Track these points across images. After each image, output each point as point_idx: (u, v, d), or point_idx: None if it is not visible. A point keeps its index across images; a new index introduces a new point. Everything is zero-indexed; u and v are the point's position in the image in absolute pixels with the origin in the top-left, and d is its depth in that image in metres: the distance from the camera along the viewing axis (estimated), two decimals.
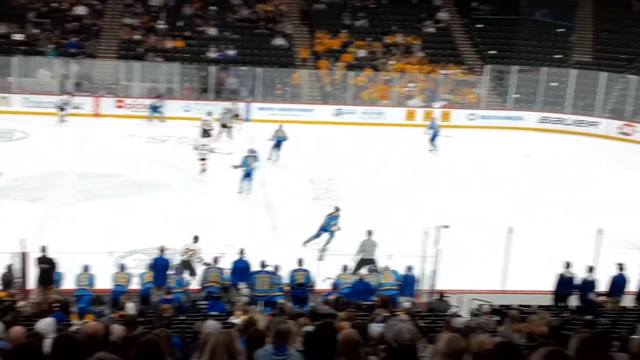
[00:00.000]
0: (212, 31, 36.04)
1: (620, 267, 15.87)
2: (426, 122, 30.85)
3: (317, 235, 18.68)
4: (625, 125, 32.97)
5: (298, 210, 21.44)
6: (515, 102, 35.06)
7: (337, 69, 35.03)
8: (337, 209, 19.14)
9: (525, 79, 35.32)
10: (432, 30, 37.85)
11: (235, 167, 22.31)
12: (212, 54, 35.01)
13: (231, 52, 35.25)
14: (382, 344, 6.11)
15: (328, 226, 18.74)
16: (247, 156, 22.61)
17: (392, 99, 34.64)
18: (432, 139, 28.89)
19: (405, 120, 33.66)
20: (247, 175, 22.41)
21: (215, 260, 15.90)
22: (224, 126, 29.19)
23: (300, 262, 15.97)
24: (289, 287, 15.73)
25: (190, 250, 16.51)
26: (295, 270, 15.86)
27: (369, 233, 17.29)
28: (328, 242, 18.51)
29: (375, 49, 36.50)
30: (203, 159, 24.21)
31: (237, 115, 30.85)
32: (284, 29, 36.80)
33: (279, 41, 36.16)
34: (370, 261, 17.01)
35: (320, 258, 15.95)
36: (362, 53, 36.20)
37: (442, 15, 38.45)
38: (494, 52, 36.96)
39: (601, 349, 4.69)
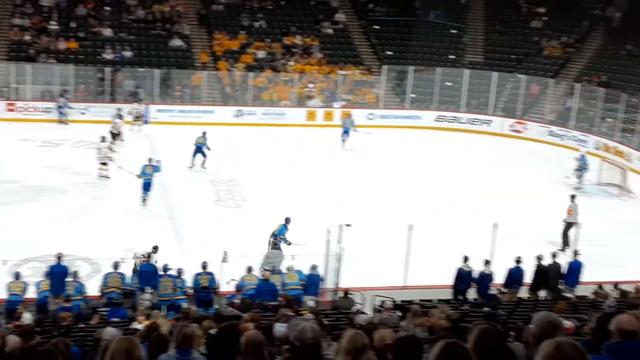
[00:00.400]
0: (107, 32, 35.15)
1: (518, 260, 16.45)
2: (340, 120, 31.78)
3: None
4: (516, 122, 34.23)
5: (200, 213, 21.20)
6: (412, 102, 35.84)
7: (236, 70, 34.86)
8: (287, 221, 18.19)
9: (422, 79, 36.17)
10: (330, 31, 38.21)
11: (135, 175, 21.61)
12: (108, 55, 34.17)
13: (127, 54, 34.50)
14: (286, 344, 6.12)
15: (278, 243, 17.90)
16: (146, 165, 21.81)
17: (292, 100, 34.78)
18: (344, 134, 29.78)
19: (306, 120, 33.88)
20: (146, 185, 21.48)
21: (116, 265, 15.52)
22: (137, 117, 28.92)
23: (204, 265, 15.81)
24: (192, 291, 15.55)
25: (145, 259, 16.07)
26: (198, 274, 15.71)
27: (275, 244, 17.14)
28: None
29: (274, 50, 36.54)
30: (104, 164, 23.61)
31: (139, 118, 30.33)
32: (181, 30, 36.32)
33: (176, 42, 35.64)
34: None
35: (224, 260, 15.80)
36: (261, 54, 36.16)
37: (340, 16, 38.87)
38: (391, 52, 37.67)
39: (498, 339, 4.84)
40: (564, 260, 17.21)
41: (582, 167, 26.01)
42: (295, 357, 4.83)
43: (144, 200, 21.38)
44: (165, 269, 15.61)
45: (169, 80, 33.83)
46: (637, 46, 35.95)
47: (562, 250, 19.23)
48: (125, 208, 21.15)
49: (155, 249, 16.19)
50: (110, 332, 8.49)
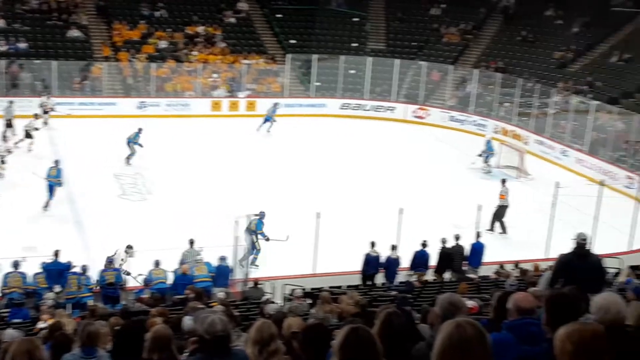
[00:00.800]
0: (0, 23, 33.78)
1: (424, 243, 16.83)
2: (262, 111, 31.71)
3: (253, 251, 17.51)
4: (419, 109, 34.93)
5: (104, 207, 20.74)
6: (317, 90, 36.03)
7: (138, 61, 34.15)
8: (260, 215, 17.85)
9: (326, 67, 36.39)
10: (232, 20, 37.89)
11: (38, 176, 20.78)
12: (1, 47, 32.84)
13: (22, 45, 33.24)
14: (195, 337, 6.08)
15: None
16: (52, 167, 20.83)
17: (197, 90, 34.36)
18: (264, 122, 30.43)
19: (211, 111, 33.55)
20: (50, 187, 20.50)
21: (16, 264, 14.99)
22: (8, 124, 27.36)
23: (109, 261, 15.50)
24: (98, 288, 15.22)
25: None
26: (104, 270, 15.39)
27: (191, 243, 16.90)
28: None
29: (176, 40, 35.97)
30: (2, 162, 22.77)
31: (47, 112, 29.28)
32: (79, 20, 35.24)
33: (74, 33, 34.58)
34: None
35: (131, 255, 15.54)
36: (163, 44, 35.52)
37: (242, 5, 38.59)
38: (294, 41, 37.73)
39: (403, 322, 4.94)
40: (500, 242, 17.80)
41: (487, 152, 26.81)
42: (204, 350, 4.80)
43: (47, 204, 20.49)
44: (69, 266, 15.22)
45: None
46: (532, 32, 37.30)
47: (504, 232, 20.54)
48: (25, 205, 20.43)
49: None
50: (10, 334, 8.25)
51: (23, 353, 4.83)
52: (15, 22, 34.04)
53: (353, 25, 39.44)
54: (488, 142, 27.07)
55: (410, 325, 5.97)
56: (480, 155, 26.84)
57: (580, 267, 8.12)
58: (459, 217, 19.90)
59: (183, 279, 15.19)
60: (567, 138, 29.52)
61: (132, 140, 25.17)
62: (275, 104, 31.25)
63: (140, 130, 25.30)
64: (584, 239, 9.08)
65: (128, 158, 24.99)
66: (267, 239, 17.56)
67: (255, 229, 17.58)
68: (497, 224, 20.76)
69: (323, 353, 4.39)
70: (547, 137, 30.09)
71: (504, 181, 21.67)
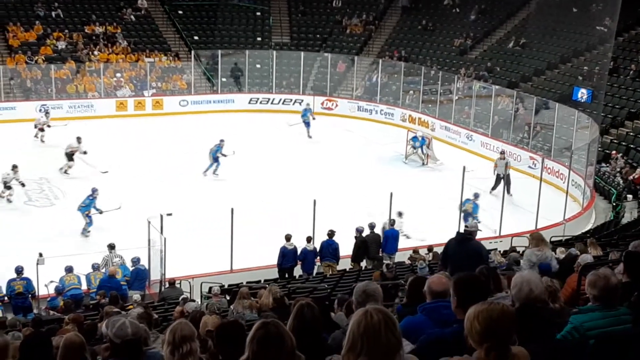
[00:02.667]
0: None
1: (330, 233, 16.91)
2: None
3: None
4: (327, 100, 35.15)
5: (9, 215, 20.05)
6: (224, 86, 35.76)
7: (36, 63, 33.03)
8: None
9: (231, 63, 36.16)
10: (132, 18, 37.14)
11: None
12: None
13: None
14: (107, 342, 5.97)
15: None
16: None
17: (100, 91, 33.54)
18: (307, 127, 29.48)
19: (116, 111, 32.82)
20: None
21: None
22: None
23: (18, 270, 14.97)
24: (6, 299, 14.69)
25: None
26: (12, 280, 14.88)
27: (111, 247, 16.46)
28: None
29: (75, 40, 35.00)
30: None
31: None
32: None
33: None
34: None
35: (40, 262, 15.05)
36: (61, 45, 34.51)
37: (142, 2, 37.85)
38: (197, 37, 37.34)
39: (316, 314, 4.98)
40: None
41: (418, 145, 27.19)
42: (116, 355, 4.71)
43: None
44: None
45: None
46: (431, 21, 38.11)
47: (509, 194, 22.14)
48: None
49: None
50: None
51: None
52: None
53: (256, 19, 39.34)
54: (422, 139, 27.31)
55: (325, 315, 6.04)
56: (414, 150, 27.26)
57: (459, 252, 8.48)
58: (373, 205, 20.16)
59: (110, 282, 14.85)
60: (472, 123, 30.32)
61: (215, 153, 24.52)
62: (307, 105, 30.47)
63: (222, 141, 24.71)
64: (472, 228, 9.60)
65: (214, 170, 24.50)
66: (101, 212, 18.67)
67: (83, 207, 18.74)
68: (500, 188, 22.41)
69: (239, 350, 4.38)
70: (452, 123, 30.82)
71: (502, 153, 23.83)
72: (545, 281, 5.87)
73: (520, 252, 14.60)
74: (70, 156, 23.90)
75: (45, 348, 4.92)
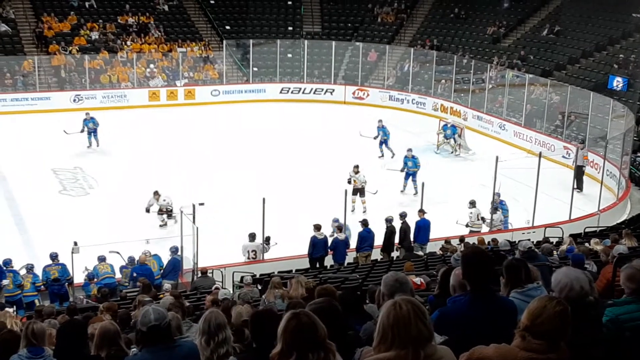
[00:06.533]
0: None
1: (364, 222, 16.93)
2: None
3: None
4: (358, 90, 35.06)
5: (45, 204, 20.32)
6: (255, 76, 35.82)
7: (70, 54, 33.39)
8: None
9: (263, 52, 36.21)
10: (165, 8, 37.35)
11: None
12: None
13: None
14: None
15: None
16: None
17: (133, 81, 33.82)
18: (382, 144, 26.31)
19: (149, 101, 33.07)
20: None
21: None
22: None
23: (53, 256, 15.22)
24: (43, 287, 14.92)
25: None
26: (48, 266, 15.12)
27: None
28: None
29: (109, 31, 35.29)
30: None
31: None
32: (5, 13, 34.25)
33: (1, 27, 33.62)
34: None
35: (75, 251, 15.25)
36: (95, 35, 34.83)
37: None
38: (229, 27, 37.43)
39: (334, 308, 4.99)
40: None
41: (449, 135, 26.96)
42: (144, 342, 4.78)
43: None
44: (6, 263, 14.87)
45: None
46: (464, 9, 37.74)
47: (579, 190, 21.84)
48: None
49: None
50: None
51: None
52: None
53: (288, 8, 39.30)
54: (452, 127, 27.11)
55: (357, 306, 6.04)
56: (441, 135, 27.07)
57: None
58: (404, 195, 20.13)
59: (141, 269, 15.00)
60: (504, 112, 30.04)
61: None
62: (379, 122, 26.91)
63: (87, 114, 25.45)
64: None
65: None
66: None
67: None
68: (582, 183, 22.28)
69: (273, 338, 4.40)
70: (484, 112, 30.56)
71: (582, 142, 23.73)
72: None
73: (554, 243, 14.49)
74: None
75: (81, 335, 4.98)
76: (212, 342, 4.68)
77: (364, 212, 19.44)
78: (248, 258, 16.56)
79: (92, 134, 25.57)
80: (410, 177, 22.09)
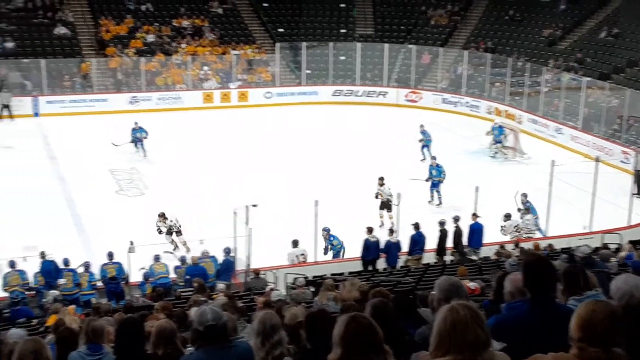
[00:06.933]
0: None
1: (416, 226, 16.84)
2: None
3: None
4: (411, 92, 34.88)
5: (102, 204, 20.71)
6: (308, 78, 35.94)
7: (127, 56, 33.99)
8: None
9: (315, 55, 36.31)
10: (219, 11, 37.75)
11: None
12: None
13: (9, 44, 33.07)
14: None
15: None
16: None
17: (188, 83, 34.26)
18: (424, 148, 25.83)
19: (203, 103, 33.48)
20: None
21: (12, 264, 14.99)
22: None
23: (110, 255, 15.51)
24: (102, 285, 15.21)
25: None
26: (105, 264, 15.42)
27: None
28: None
29: (164, 33, 35.83)
30: None
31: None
32: (65, 17, 35.06)
33: (61, 30, 34.42)
34: None
35: (131, 250, 15.51)
36: (151, 38, 35.40)
37: None
38: (282, 30, 37.62)
39: (389, 312, 4.96)
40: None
41: (496, 138, 26.62)
42: (200, 342, 4.82)
43: None
44: (66, 262, 15.21)
45: None
46: (519, 11, 37.25)
47: (638, 195, 21.19)
48: (20, 204, 20.36)
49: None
50: (15, 333, 8.23)
51: (29, 352, 4.84)
52: (1, 22, 33.83)
53: (340, 11, 39.34)
54: (499, 128, 26.80)
55: (410, 309, 6.00)
56: (494, 142, 26.66)
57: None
58: (457, 198, 19.92)
59: (196, 269, 15.18)
60: (561, 116, 29.54)
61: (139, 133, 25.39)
62: (420, 126, 26.48)
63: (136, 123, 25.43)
64: None
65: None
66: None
67: None
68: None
69: (327, 340, 4.40)
70: (540, 116, 30.10)
71: None
72: None
73: (613, 250, 14.18)
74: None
75: (139, 333, 5.06)
76: (267, 343, 4.70)
77: (391, 227, 19.08)
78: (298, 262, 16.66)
79: (140, 143, 25.35)
80: (435, 187, 21.39)
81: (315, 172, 23.56)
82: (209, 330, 4.76)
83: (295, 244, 16.72)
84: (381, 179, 19.93)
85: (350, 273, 14.46)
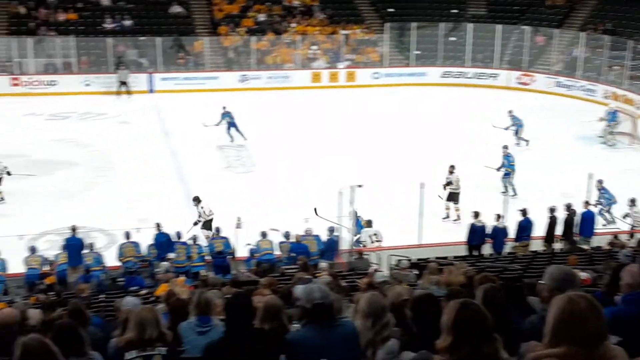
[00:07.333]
0: (105, 1, 34.89)
1: (524, 211, 16.44)
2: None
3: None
4: (523, 75, 33.96)
5: (211, 180, 21.24)
6: (417, 59, 35.54)
7: (238, 35, 34.59)
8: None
9: (425, 35, 35.81)
10: None
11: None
12: (108, 25, 33.95)
13: (127, 22, 34.27)
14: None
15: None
16: None
17: (297, 62, 34.55)
18: (516, 133, 24.95)
19: (311, 82, 33.70)
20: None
21: (127, 235, 15.62)
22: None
23: (217, 230, 15.92)
24: (210, 258, 15.64)
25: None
26: (213, 239, 15.83)
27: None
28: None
29: (275, 12, 36.21)
30: None
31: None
32: None
33: (176, 9, 35.36)
34: None
35: (238, 226, 15.86)
36: (262, 17, 35.85)
37: None
38: (392, 10, 37.28)
39: (499, 299, 4.86)
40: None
41: (611, 122, 25.60)
42: (309, 320, 4.88)
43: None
44: (179, 235, 15.72)
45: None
46: None
47: None
48: (135, 178, 21.17)
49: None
50: (129, 301, 8.56)
51: (150, 319, 5.05)
52: (120, 0, 35.07)
53: None
54: (613, 113, 25.77)
55: (518, 298, 5.87)
56: (606, 127, 25.59)
57: None
58: (569, 185, 19.30)
59: (299, 247, 15.39)
60: None
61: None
62: (509, 112, 25.48)
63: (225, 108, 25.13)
64: None
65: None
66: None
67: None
68: None
69: (434, 323, 4.36)
70: None
71: None
72: None
73: None
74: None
75: (248, 308, 5.17)
76: (376, 324, 4.70)
77: (456, 219, 18.58)
78: (372, 242, 16.58)
79: (230, 127, 24.82)
80: (506, 178, 20.28)
81: (421, 154, 23.31)
82: (317, 308, 4.81)
83: (369, 223, 16.80)
84: (452, 167, 19.05)
85: (455, 257, 14.28)
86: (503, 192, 19.87)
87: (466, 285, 9.96)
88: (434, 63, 35.28)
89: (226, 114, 24.87)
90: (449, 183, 18.85)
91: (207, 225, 17.17)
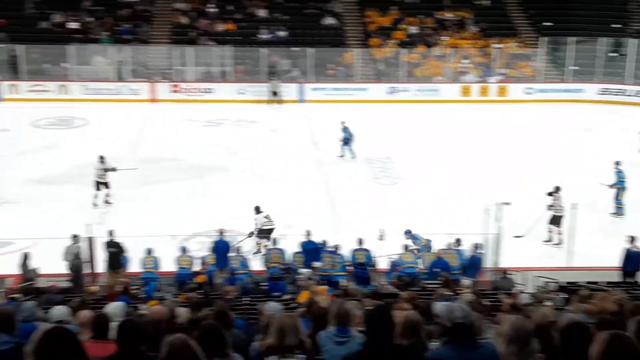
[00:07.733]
0: (262, 13, 36.05)
1: None
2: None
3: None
4: None
5: (356, 190, 21.36)
6: (573, 75, 34.21)
7: (389, 47, 34.68)
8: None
9: (582, 50, 34.40)
10: (485, 3, 37.16)
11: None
12: (263, 35, 35.03)
13: (282, 33, 35.21)
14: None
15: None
16: None
17: (446, 75, 34.19)
18: None
19: (461, 96, 33.23)
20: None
21: (275, 241, 15.98)
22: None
23: (360, 241, 15.94)
24: (352, 268, 15.69)
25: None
26: (355, 250, 15.84)
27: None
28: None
29: (427, 25, 36.04)
30: None
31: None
32: (333, 8, 36.59)
33: (329, 21, 35.97)
34: None
35: (381, 238, 15.84)
36: (413, 30, 35.78)
37: None
38: (550, 23, 36.10)
39: None
40: None
41: None
42: (446, 338, 4.77)
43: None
44: (323, 245, 15.88)
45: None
46: None
47: None
48: (282, 185, 21.63)
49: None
50: (272, 306, 8.71)
51: (290, 326, 5.11)
52: (275, 12, 36.11)
53: (614, 4, 36.89)
54: None
55: None
56: None
57: None
58: None
59: (439, 263, 15.21)
60: None
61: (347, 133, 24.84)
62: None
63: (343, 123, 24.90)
64: None
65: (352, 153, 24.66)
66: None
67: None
68: None
69: (582, 352, 4.14)
70: None
71: None
72: None
73: None
74: None
75: (388, 321, 5.12)
76: (521, 351, 4.52)
77: (558, 244, 17.47)
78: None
79: (346, 143, 24.57)
80: (617, 195, 19.27)
81: (573, 175, 22.31)
82: (457, 328, 4.71)
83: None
84: (557, 188, 18.03)
85: (608, 284, 13.56)
86: (613, 214, 19.09)
87: (617, 313, 9.44)
88: (591, 79, 33.83)
89: (345, 129, 24.75)
90: (551, 206, 17.93)
91: (263, 233, 17.11)
